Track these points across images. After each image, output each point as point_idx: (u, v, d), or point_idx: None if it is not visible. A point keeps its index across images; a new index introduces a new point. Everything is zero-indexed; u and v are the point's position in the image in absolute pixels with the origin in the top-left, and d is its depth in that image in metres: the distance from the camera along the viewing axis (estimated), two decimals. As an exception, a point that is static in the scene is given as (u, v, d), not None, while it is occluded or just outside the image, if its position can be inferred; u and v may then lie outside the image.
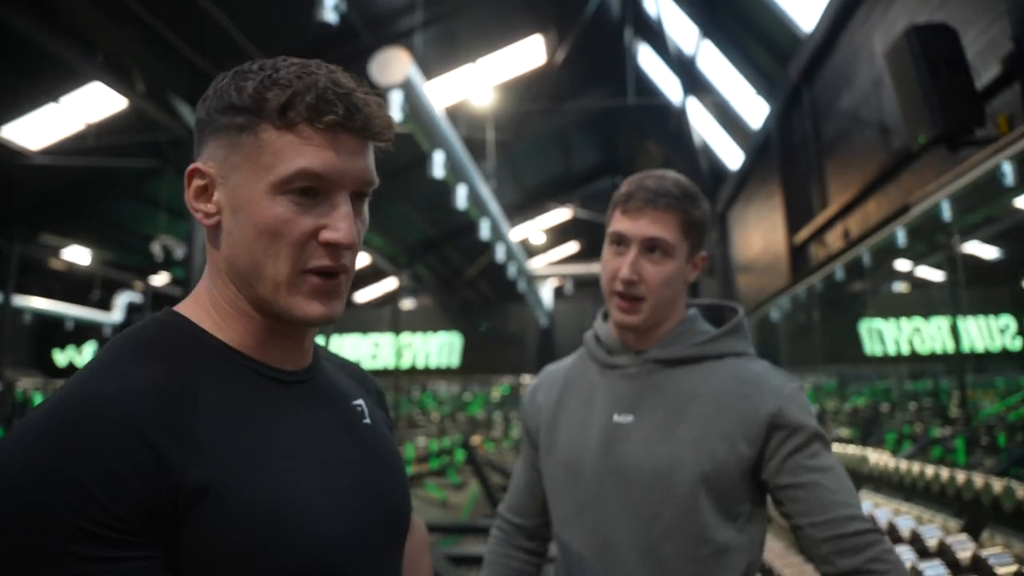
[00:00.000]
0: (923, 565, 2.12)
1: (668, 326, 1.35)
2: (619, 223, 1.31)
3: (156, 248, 11.58)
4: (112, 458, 0.61)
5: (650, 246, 1.28)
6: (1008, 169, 3.46)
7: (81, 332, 18.91)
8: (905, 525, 2.52)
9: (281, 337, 0.81)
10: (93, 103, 10.27)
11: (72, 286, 17.95)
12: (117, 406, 0.65)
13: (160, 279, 16.92)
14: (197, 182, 0.78)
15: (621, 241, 1.31)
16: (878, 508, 2.85)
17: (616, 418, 1.29)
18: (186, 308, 0.81)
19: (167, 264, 12.29)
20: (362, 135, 0.77)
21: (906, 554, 2.25)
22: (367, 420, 0.91)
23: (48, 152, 11.01)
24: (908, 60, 4.00)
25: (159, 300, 16.63)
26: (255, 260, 0.75)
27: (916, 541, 2.39)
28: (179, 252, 11.51)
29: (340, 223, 0.75)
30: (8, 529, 0.57)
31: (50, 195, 12.64)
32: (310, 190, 0.74)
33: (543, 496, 1.44)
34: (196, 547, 0.65)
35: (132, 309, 18.02)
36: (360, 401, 0.93)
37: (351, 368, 1.02)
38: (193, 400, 0.70)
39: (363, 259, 18.77)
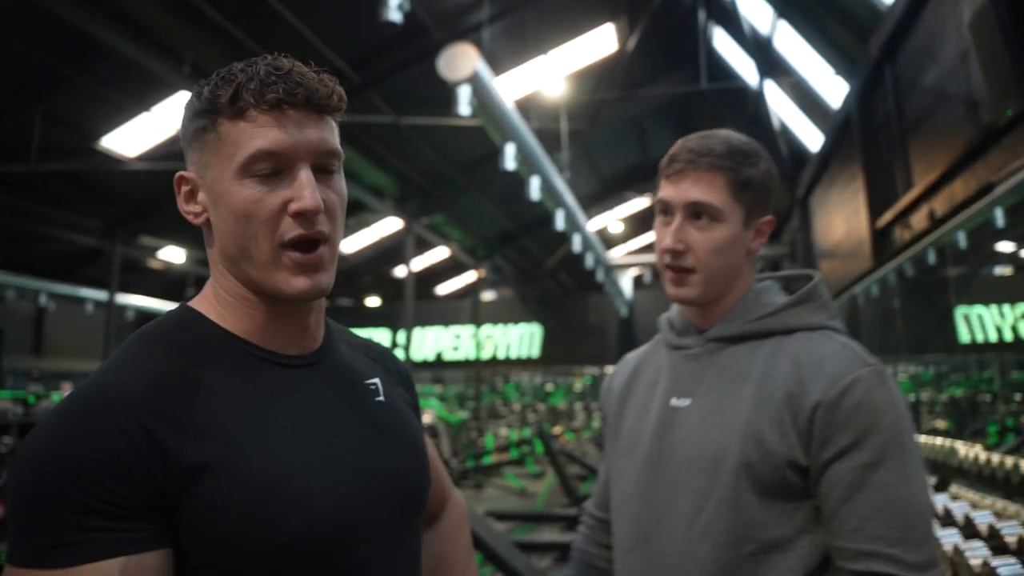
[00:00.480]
0: (996, 562, 2.04)
1: (731, 300, 1.21)
2: (663, 190, 1.20)
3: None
4: (112, 443, 0.69)
5: (695, 211, 1.16)
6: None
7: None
8: (982, 520, 2.42)
9: (283, 320, 0.85)
10: (182, 110, 10.80)
11: (168, 284, 18.93)
12: (120, 396, 0.72)
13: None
14: (184, 188, 0.86)
15: (666, 209, 1.19)
16: (956, 501, 2.75)
17: (673, 402, 1.19)
18: (197, 303, 0.87)
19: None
20: (307, 107, 0.80)
21: (980, 550, 2.17)
22: (380, 398, 0.94)
23: (143, 158, 11.66)
24: (994, 28, 3.81)
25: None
26: (240, 244, 0.80)
27: (993, 537, 2.30)
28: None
29: (304, 191, 0.78)
30: (24, 500, 0.67)
31: (146, 198, 13.38)
32: (270, 168, 0.78)
33: None
34: (193, 523, 0.71)
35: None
36: (375, 380, 0.95)
37: (373, 348, 1.05)
38: (194, 387, 0.76)
39: (442, 252, 19.07)
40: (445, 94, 7.45)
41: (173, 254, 16.38)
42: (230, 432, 0.75)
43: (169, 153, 11.34)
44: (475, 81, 6.76)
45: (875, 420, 1.02)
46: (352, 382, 0.92)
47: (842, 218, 9.61)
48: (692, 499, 1.10)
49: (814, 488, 1.06)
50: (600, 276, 16.73)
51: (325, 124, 0.83)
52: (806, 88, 10.68)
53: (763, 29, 10.83)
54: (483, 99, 7.09)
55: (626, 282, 21.03)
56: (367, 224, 16.59)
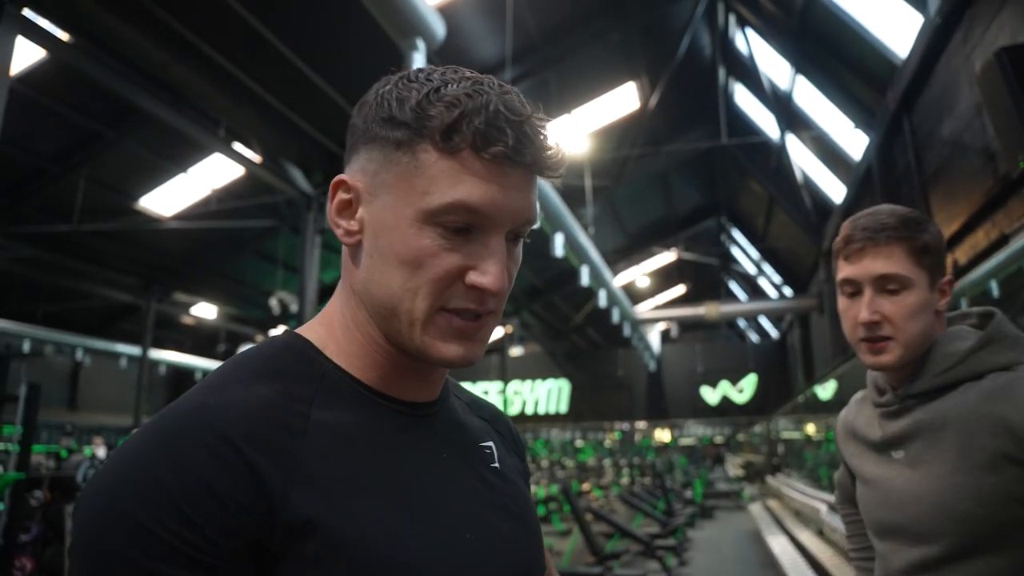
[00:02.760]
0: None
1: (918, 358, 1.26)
2: (844, 270, 1.24)
3: (273, 302, 12.29)
4: (207, 473, 0.57)
5: (883, 284, 1.20)
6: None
7: (209, 383, 20.19)
8: None
9: (409, 371, 0.74)
10: (216, 171, 11.23)
11: (200, 339, 19.27)
12: (219, 420, 0.60)
13: (277, 331, 17.94)
14: (342, 195, 0.72)
15: (852, 288, 1.23)
16: None
17: (894, 455, 1.25)
18: (310, 330, 0.76)
19: (283, 317, 13.02)
20: (530, 170, 0.69)
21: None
22: (495, 464, 0.83)
23: (178, 217, 12.06)
24: (1000, 82, 3.86)
25: (278, 353, 17.62)
26: (392, 291, 0.68)
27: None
28: (294, 306, 12.19)
29: (491, 267, 0.67)
30: (93, 536, 0.56)
31: (181, 256, 13.77)
32: (463, 224, 0.67)
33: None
34: None
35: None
36: (490, 444, 0.85)
37: (486, 408, 0.93)
38: (303, 423, 0.65)
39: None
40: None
41: (205, 310, 16.73)
42: (341, 484, 0.64)
43: (204, 212, 11.74)
44: (497, 139, 6.95)
45: None
46: (467, 442, 0.81)
47: (868, 269, 9.58)
48: (916, 552, 1.18)
49: None
50: (627, 331, 16.71)
51: (535, 189, 0.72)
52: (827, 141, 10.78)
53: (782, 84, 11.01)
54: (505, 157, 7.26)
55: (654, 336, 20.95)
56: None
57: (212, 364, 18.25)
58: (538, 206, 0.75)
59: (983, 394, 1.14)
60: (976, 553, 1.11)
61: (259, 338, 17.56)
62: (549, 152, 0.69)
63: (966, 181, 6.10)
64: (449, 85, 0.66)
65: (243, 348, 0.74)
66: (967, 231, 6.08)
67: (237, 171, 10.99)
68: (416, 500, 0.68)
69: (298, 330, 0.76)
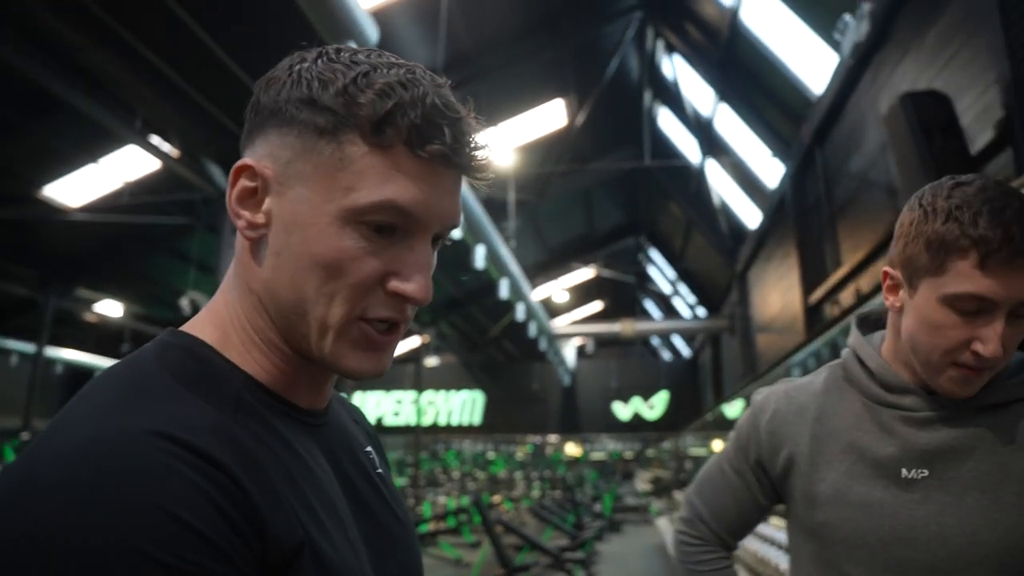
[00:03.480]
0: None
1: None
2: (978, 281, 0.92)
3: (184, 302, 11.85)
4: (208, 491, 0.50)
5: (1018, 310, 0.93)
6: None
7: (110, 385, 19.25)
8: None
9: (310, 378, 0.68)
10: (130, 164, 10.75)
11: (103, 338, 18.37)
12: (187, 445, 0.51)
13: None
14: (245, 182, 0.63)
15: (976, 305, 0.93)
16: None
17: (906, 473, 1.01)
18: (202, 331, 0.65)
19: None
20: (462, 171, 0.64)
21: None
22: (379, 470, 0.79)
23: (86, 210, 11.48)
24: (904, 125, 4.10)
25: (186, 354, 16.97)
26: (303, 295, 0.61)
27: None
28: (206, 307, 11.85)
29: (416, 273, 0.62)
30: None
31: (86, 250, 13.12)
32: (389, 227, 0.61)
33: (752, 528, 1.26)
34: None
35: (160, 363, 18.33)
36: (370, 448, 0.81)
37: (354, 411, 0.88)
38: (255, 442, 0.58)
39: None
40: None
41: (110, 308, 15.97)
42: (307, 503, 0.59)
43: (114, 206, 11.22)
44: (425, 148, 6.93)
45: None
46: (354, 450, 0.77)
47: (778, 293, 9.95)
48: None
49: None
50: (543, 345, 16.85)
51: (459, 188, 0.67)
52: (744, 168, 11.18)
53: (705, 111, 11.37)
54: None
55: (569, 351, 21.20)
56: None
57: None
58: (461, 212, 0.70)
59: None
60: None
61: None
62: (480, 154, 0.64)
63: (871, 214, 6.43)
64: (379, 70, 0.60)
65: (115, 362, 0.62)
66: (870, 261, 6.40)
67: (153, 165, 10.55)
68: (342, 513, 0.65)
69: (186, 328, 0.66)
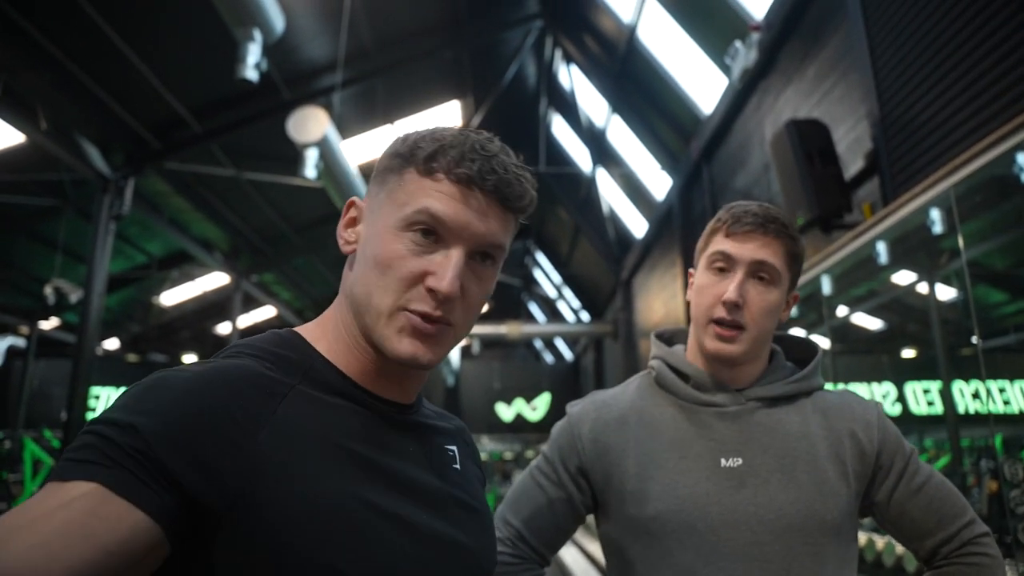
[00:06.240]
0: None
1: (763, 362, 1.27)
2: (723, 244, 1.23)
3: (49, 291, 11.08)
4: (232, 405, 0.68)
5: (757, 271, 1.20)
6: (882, 249, 3.84)
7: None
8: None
9: (385, 370, 0.83)
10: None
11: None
12: (237, 375, 0.71)
13: (49, 324, 16.09)
14: (350, 213, 0.86)
15: (725, 263, 1.22)
16: None
17: (724, 463, 1.17)
18: (306, 329, 0.85)
19: (59, 308, 11.71)
20: (493, 196, 0.80)
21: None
22: (457, 466, 0.91)
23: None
24: (788, 149, 4.42)
25: (45, 345, 15.80)
26: (368, 289, 0.78)
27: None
28: (74, 296, 10.98)
29: (447, 272, 0.77)
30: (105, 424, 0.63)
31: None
32: (430, 233, 0.78)
33: (566, 539, 1.33)
34: (229, 551, 0.65)
35: (13, 354, 16.89)
36: (453, 447, 0.93)
37: (452, 419, 1.02)
38: (304, 404, 0.74)
39: (269, 311, 18.45)
40: (289, 152, 7.42)
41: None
42: (345, 470, 0.73)
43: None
44: (323, 145, 6.82)
45: (901, 440, 1.23)
46: (434, 443, 0.90)
47: (661, 301, 10.38)
48: (776, 561, 1.11)
49: (885, 507, 1.20)
50: (431, 344, 16.77)
51: (504, 219, 0.83)
52: (634, 179, 11.57)
53: (598, 121, 11.71)
54: (329, 163, 7.14)
55: (454, 352, 21.23)
56: (191, 277, 15.77)
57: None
58: (508, 242, 0.85)
59: (829, 410, 1.23)
60: (833, 557, 1.14)
61: (23, 329, 15.67)
62: (514, 187, 0.81)
63: (751, 230, 6.83)
64: (442, 131, 0.82)
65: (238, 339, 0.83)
66: (749, 274, 6.80)
67: (15, 138, 9.79)
68: (377, 486, 0.75)
69: (296, 328, 0.86)
